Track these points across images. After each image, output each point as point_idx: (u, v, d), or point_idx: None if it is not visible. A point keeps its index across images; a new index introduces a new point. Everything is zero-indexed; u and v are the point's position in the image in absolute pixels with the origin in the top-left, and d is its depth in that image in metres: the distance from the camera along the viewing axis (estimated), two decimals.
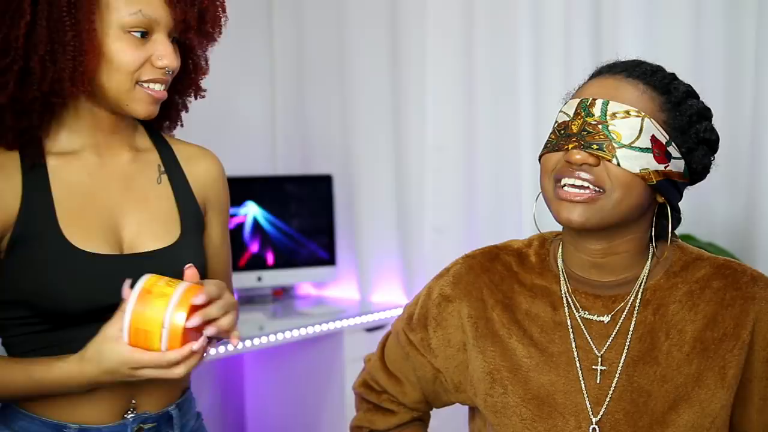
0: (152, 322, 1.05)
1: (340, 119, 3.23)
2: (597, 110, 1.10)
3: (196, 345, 1.07)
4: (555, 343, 1.18)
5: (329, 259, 3.18)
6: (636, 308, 1.16)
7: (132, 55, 1.15)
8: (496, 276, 1.25)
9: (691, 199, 2.29)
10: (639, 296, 1.16)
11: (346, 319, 2.84)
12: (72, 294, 1.15)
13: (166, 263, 1.20)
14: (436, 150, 2.92)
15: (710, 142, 1.16)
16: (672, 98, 1.13)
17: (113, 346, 1.07)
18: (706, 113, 1.16)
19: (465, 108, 2.85)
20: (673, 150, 1.11)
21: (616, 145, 1.08)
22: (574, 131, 1.11)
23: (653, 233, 1.16)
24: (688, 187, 1.20)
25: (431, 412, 1.40)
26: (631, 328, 1.15)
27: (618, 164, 1.08)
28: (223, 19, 1.25)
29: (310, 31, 3.29)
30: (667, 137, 1.11)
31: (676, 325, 1.15)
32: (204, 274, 1.28)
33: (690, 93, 1.15)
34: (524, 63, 2.67)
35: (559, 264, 1.22)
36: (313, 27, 3.29)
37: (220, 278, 1.32)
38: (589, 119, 1.10)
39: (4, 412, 1.22)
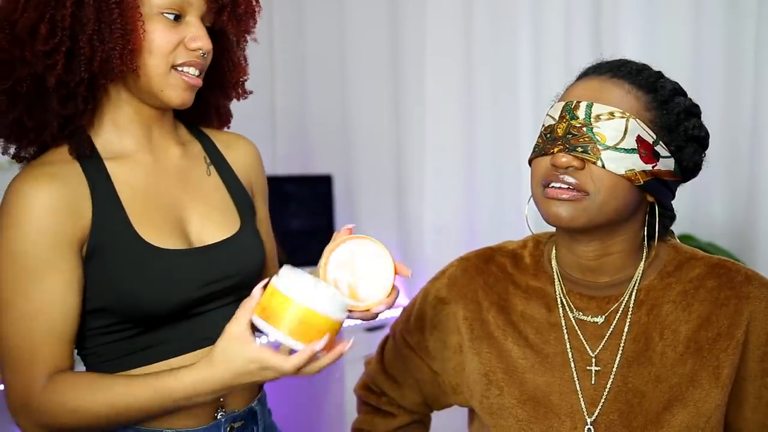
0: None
1: (340, 119, 3.22)
2: (581, 113, 1.10)
3: (319, 344, 1.02)
4: (550, 344, 1.18)
5: None
6: (630, 309, 1.16)
7: (166, 37, 1.14)
8: (490, 278, 1.25)
9: (690, 199, 2.32)
10: (633, 297, 1.16)
11: (346, 319, 2.82)
12: (158, 293, 1.14)
13: (234, 252, 1.21)
14: (436, 150, 2.92)
15: (700, 139, 1.15)
16: (659, 96, 1.12)
17: (240, 346, 1.01)
18: (694, 110, 1.15)
19: (465, 108, 2.85)
20: (661, 149, 1.11)
21: (600, 148, 1.08)
22: (560, 134, 1.11)
23: (646, 233, 1.16)
24: (686, 185, 1.19)
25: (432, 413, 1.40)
26: (626, 329, 1.15)
27: (603, 166, 1.07)
28: (257, 9, 1.25)
29: (311, 32, 3.29)
30: (654, 136, 1.10)
31: (670, 325, 1.14)
32: (264, 261, 1.28)
33: (677, 90, 1.15)
34: (524, 63, 2.67)
35: (553, 265, 1.22)
36: (313, 27, 3.28)
37: (271, 264, 1.32)
38: (573, 122, 1.10)
39: None
